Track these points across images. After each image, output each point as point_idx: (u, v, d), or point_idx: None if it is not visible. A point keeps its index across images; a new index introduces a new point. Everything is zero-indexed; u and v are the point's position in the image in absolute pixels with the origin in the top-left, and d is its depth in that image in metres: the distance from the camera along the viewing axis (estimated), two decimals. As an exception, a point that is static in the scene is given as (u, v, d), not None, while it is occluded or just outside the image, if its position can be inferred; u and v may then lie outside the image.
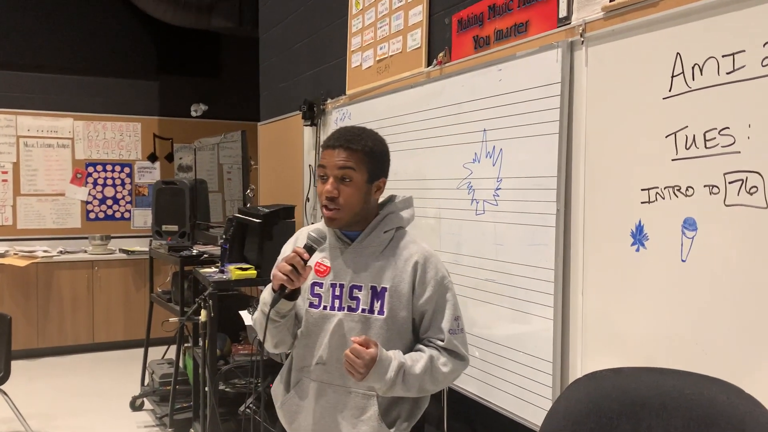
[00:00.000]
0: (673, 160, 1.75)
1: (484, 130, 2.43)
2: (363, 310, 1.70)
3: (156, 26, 6.80)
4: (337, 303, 1.73)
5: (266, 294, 1.75)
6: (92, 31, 6.69)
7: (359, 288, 1.71)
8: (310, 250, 1.69)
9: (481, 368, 2.49)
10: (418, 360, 1.67)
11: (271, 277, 1.70)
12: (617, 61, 1.92)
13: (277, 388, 1.86)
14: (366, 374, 1.61)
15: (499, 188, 2.36)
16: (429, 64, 2.90)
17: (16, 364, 4.10)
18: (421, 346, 1.73)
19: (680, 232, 1.73)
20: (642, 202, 1.84)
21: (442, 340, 1.70)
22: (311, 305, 1.76)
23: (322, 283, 1.75)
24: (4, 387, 3.97)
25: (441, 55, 2.78)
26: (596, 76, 2.00)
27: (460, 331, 1.73)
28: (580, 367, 2.07)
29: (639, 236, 1.85)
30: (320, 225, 1.82)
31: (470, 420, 2.73)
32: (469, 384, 2.57)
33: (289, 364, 1.87)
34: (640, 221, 1.85)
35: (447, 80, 2.69)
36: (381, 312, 1.69)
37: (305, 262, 1.65)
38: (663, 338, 1.78)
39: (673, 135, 1.74)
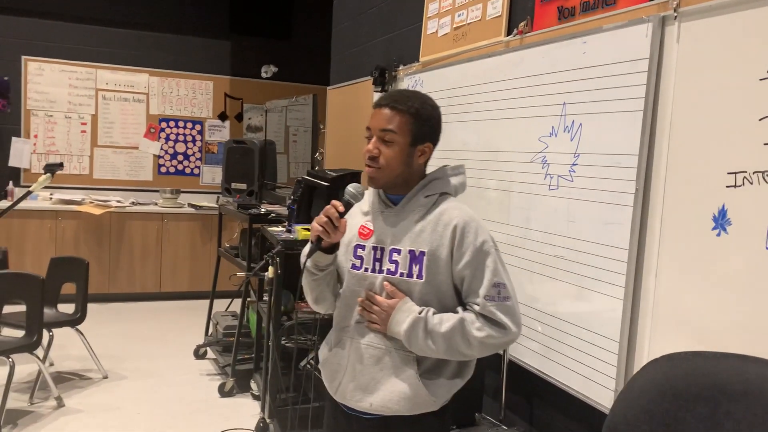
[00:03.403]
0: (765, 144, 1.68)
1: (564, 104, 2.39)
2: (401, 274, 1.69)
3: (231, -14, 6.89)
4: (377, 266, 1.73)
5: (307, 247, 1.79)
6: (170, -11, 6.84)
7: (398, 252, 1.70)
8: (346, 204, 1.71)
9: (544, 343, 2.50)
10: (447, 320, 1.65)
11: (310, 229, 1.74)
12: (712, 39, 1.85)
13: (322, 349, 1.89)
14: (383, 323, 1.67)
15: (576, 164, 2.32)
16: (509, 33, 2.85)
17: (88, 307, 4.32)
18: (459, 309, 1.69)
19: (767, 219, 1.67)
20: (727, 186, 1.79)
21: (478, 305, 1.65)
22: (353, 267, 1.76)
23: (365, 246, 1.75)
24: (78, 327, 4.21)
25: (522, 24, 2.73)
26: (688, 53, 1.93)
27: (500, 298, 1.65)
28: (647, 350, 2.05)
29: (721, 221, 1.80)
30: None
31: (529, 393, 2.74)
32: (529, 357, 2.58)
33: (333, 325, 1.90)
34: (723, 205, 1.80)
35: (527, 51, 2.64)
36: (420, 276, 1.68)
37: (341, 215, 1.68)
38: (739, 326, 1.74)
39: (768, 118, 1.68)
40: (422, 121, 1.71)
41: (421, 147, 1.73)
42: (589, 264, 2.26)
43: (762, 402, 0.97)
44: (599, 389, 2.19)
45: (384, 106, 1.70)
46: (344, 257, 1.80)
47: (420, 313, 1.65)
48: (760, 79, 1.70)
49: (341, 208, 1.68)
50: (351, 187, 1.73)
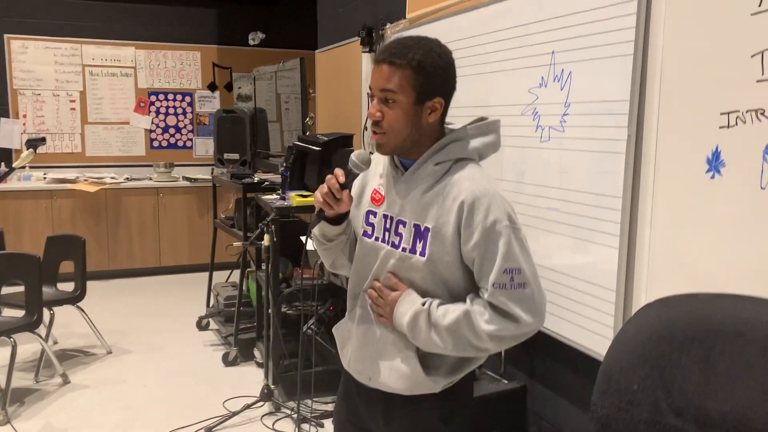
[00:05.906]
0: (758, 81, 1.64)
1: (552, 53, 2.34)
2: (404, 249, 1.55)
3: (213, -48, 6.73)
4: (387, 235, 1.60)
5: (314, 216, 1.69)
6: (151, -42, 6.68)
7: (404, 224, 1.56)
8: (348, 174, 1.57)
9: (541, 296, 2.49)
10: (452, 311, 1.49)
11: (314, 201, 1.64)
12: (701, -25, 1.79)
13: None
14: (388, 317, 1.57)
15: (567, 114, 2.28)
16: (495, -16, 2.78)
17: (89, 285, 4.33)
18: (468, 298, 1.53)
19: (761, 158, 1.64)
20: (720, 127, 1.75)
21: (487, 293, 1.48)
22: (365, 234, 1.65)
23: (376, 213, 1.62)
24: (80, 304, 4.21)
25: (508, -27, 2.65)
26: (677, -9, 1.87)
27: (513, 286, 1.45)
28: (644, 298, 2.04)
29: (715, 162, 1.77)
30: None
31: (528, 347, 2.75)
32: (528, 312, 2.58)
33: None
34: (717, 147, 1.77)
35: (513, 0, 2.57)
36: (422, 253, 1.52)
37: (342, 186, 1.56)
38: (736, 269, 1.72)
39: (760, 54, 1.63)
40: (426, 74, 1.48)
41: (429, 104, 1.51)
42: (584, 215, 2.23)
43: (756, 341, 0.94)
44: (598, 339, 2.19)
45: (382, 62, 1.49)
46: (358, 222, 1.67)
47: (423, 304, 1.52)
48: (752, 14, 1.65)
49: (342, 179, 1.55)
50: (354, 156, 1.57)
